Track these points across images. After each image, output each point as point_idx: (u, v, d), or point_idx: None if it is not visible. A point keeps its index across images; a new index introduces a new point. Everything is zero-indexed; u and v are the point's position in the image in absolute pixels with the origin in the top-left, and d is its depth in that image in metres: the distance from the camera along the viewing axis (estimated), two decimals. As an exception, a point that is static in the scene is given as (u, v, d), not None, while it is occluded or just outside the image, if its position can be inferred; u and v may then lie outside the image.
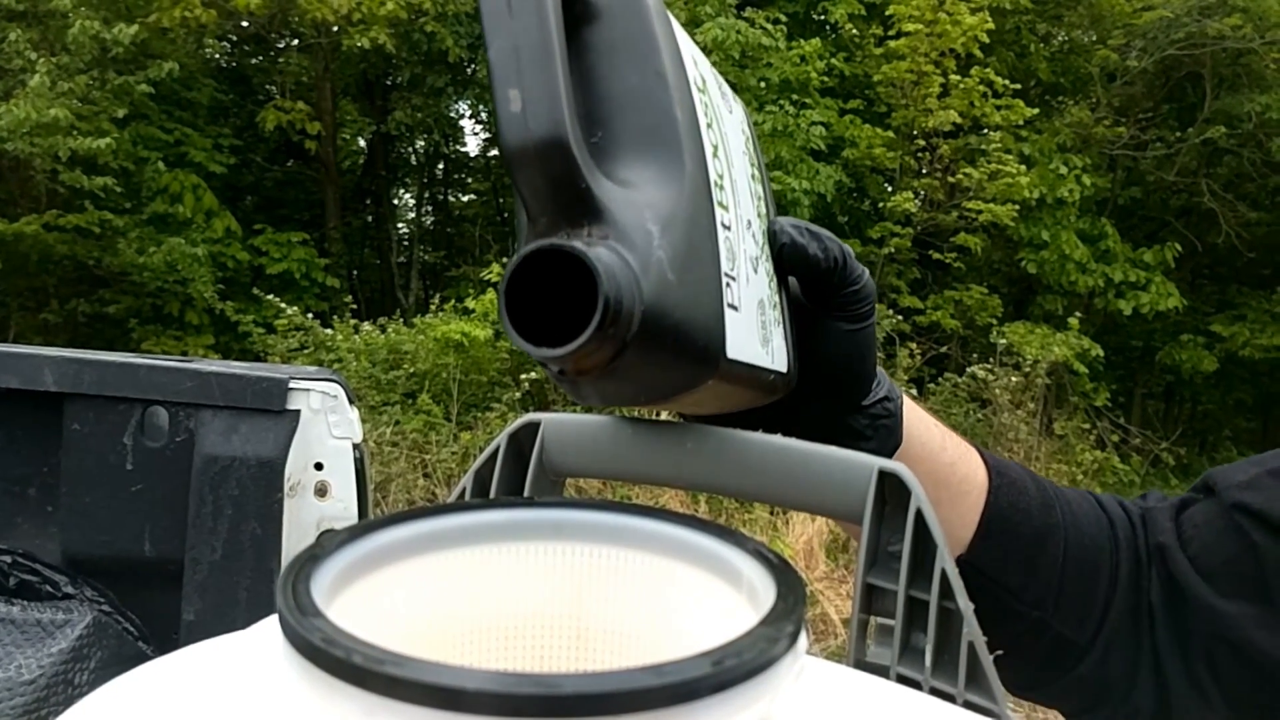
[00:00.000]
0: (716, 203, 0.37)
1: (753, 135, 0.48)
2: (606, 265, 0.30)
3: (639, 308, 0.31)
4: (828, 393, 0.50)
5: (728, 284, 0.38)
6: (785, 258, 0.46)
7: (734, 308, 0.38)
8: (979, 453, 0.59)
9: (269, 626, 0.37)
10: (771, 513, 4.44)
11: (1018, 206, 6.79)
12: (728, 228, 0.38)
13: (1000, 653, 0.35)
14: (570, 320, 0.30)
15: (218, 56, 8.86)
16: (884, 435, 0.53)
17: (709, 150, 0.37)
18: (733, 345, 0.38)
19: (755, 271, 0.42)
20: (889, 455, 0.54)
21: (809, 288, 0.48)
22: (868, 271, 0.49)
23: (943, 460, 0.56)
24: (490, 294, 5.86)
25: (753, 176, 0.45)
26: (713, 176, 0.37)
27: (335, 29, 7.79)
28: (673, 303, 0.33)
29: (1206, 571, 0.56)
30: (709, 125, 0.38)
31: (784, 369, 0.46)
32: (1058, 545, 0.58)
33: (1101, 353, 7.08)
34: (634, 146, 0.34)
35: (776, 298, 0.46)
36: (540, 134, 0.30)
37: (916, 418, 0.56)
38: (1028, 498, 0.58)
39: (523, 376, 5.36)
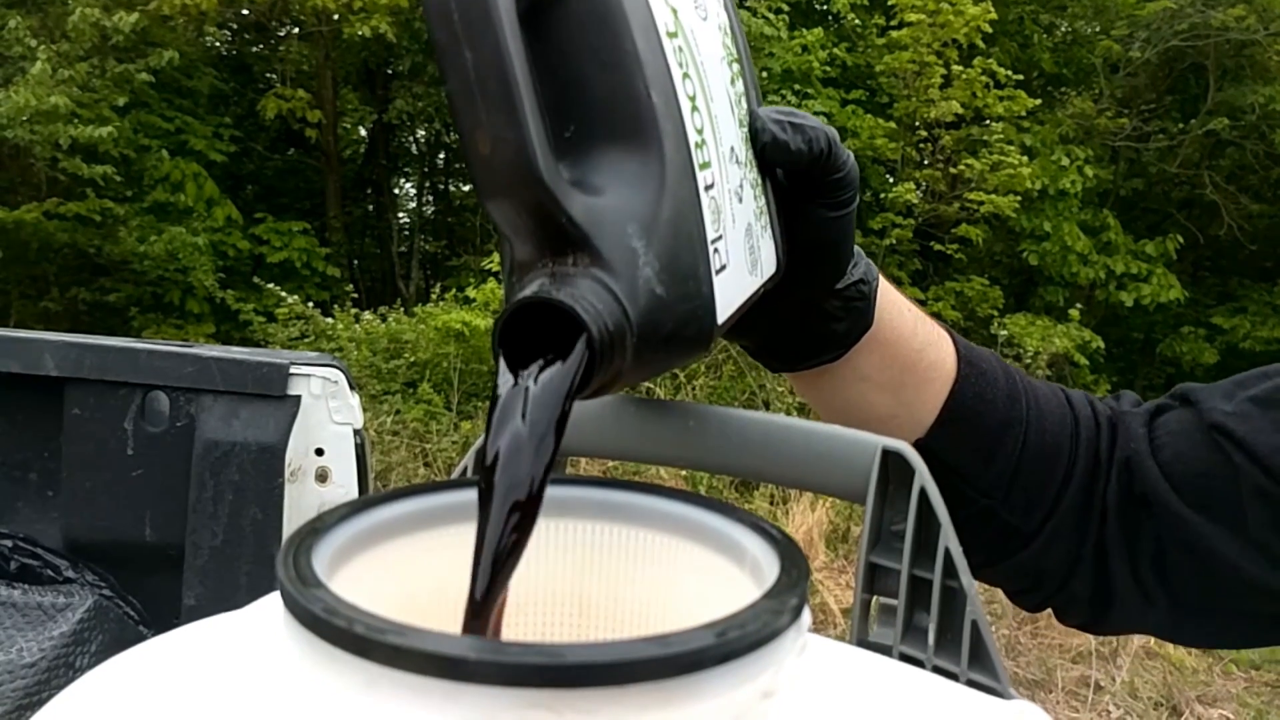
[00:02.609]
0: (699, 165, 0.36)
1: (732, 17, 0.46)
2: (594, 310, 0.30)
3: (631, 339, 0.31)
4: (804, 277, 0.50)
5: (715, 251, 0.37)
6: (768, 156, 0.45)
7: (723, 268, 0.38)
8: (953, 341, 0.60)
9: (268, 603, 0.37)
10: (771, 502, 4.45)
11: (1019, 198, 6.77)
12: (710, 186, 0.37)
13: None
14: (563, 340, 0.30)
15: (218, 44, 8.84)
16: (855, 317, 0.53)
17: (687, 109, 0.36)
18: (723, 310, 0.38)
19: (740, 200, 0.41)
20: (858, 337, 0.54)
21: (792, 177, 0.48)
22: (852, 156, 0.48)
23: (912, 345, 0.57)
24: (492, 283, 5.85)
25: (732, 80, 0.43)
26: (693, 140, 0.36)
27: (336, 17, 7.76)
28: (663, 315, 0.33)
29: (1176, 481, 0.56)
30: (685, 75, 0.36)
31: (773, 271, 0.46)
32: (1017, 438, 0.58)
33: (1102, 345, 7.07)
34: (609, 141, 0.33)
35: (761, 201, 0.45)
36: (512, 177, 0.29)
37: (890, 301, 0.56)
38: (995, 389, 0.58)
39: (523, 366, 5.35)
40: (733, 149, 0.41)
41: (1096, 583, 0.59)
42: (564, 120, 0.32)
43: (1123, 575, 0.58)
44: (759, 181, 0.45)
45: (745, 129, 0.44)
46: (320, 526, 0.27)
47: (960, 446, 0.58)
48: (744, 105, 0.45)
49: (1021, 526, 0.59)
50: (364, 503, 0.30)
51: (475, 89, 0.29)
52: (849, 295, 0.52)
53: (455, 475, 0.41)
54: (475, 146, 0.29)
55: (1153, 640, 3.67)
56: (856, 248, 0.52)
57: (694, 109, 0.37)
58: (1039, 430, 0.59)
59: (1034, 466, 0.58)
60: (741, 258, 0.41)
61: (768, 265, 0.45)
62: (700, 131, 0.37)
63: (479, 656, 0.20)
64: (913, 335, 0.57)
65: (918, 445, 0.57)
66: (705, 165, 0.37)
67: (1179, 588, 0.57)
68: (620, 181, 0.33)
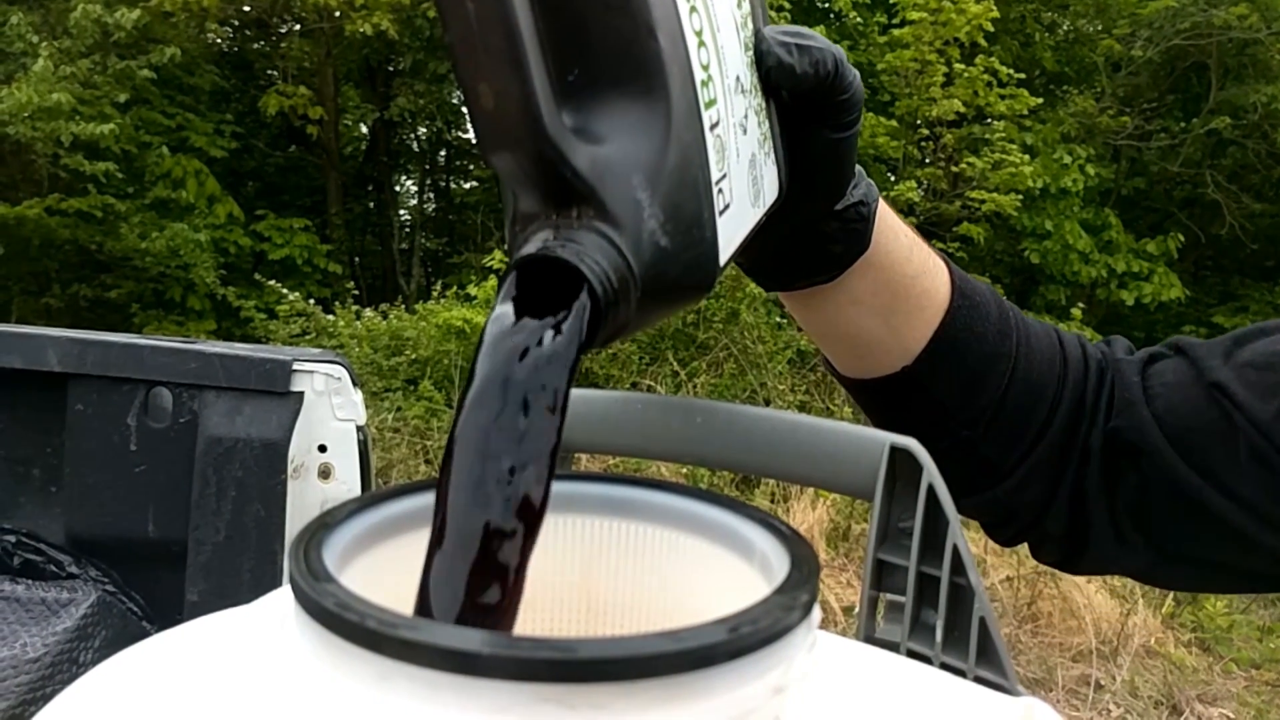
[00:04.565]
0: (704, 104, 0.35)
1: None
2: (599, 268, 0.29)
3: (635, 293, 0.31)
4: (803, 199, 0.49)
5: (719, 191, 0.36)
6: (773, 80, 0.44)
7: (726, 208, 0.37)
8: (949, 271, 0.59)
9: (275, 599, 0.37)
10: (772, 500, 4.45)
11: (1021, 196, 6.77)
12: (716, 124, 0.37)
13: None
14: (567, 294, 0.30)
15: (219, 41, 8.84)
16: (853, 239, 0.53)
17: (693, 46, 0.35)
18: (725, 251, 0.37)
19: (744, 132, 0.40)
20: (854, 259, 0.53)
21: (797, 98, 0.46)
22: (858, 76, 0.47)
23: (906, 271, 0.56)
24: (493, 281, 5.85)
25: (738, 3, 0.42)
26: (699, 79, 0.35)
27: (337, 14, 7.76)
28: (667, 265, 0.33)
29: (1169, 431, 0.56)
30: (692, 9, 0.35)
31: (775, 198, 0.45)
32: (1003, 374, 0.58)
33: (1104, 343, 7.06)
34: (614, 86, 0.32)
35: (765, 127, 0.44)
36: (516, 131, 0.28)
37: (887, 225, 0.55)
38: (986, 323, 0.58)
39: (524, 363, 5.35)
40: (738, 78, 0.40)
41: (1071, 523, 0.60)
42: (567, 64, 0.31)
43: (1100, 518, 0.58)
44: (763, 106, 0.44)
45: (751, 52, 0.43)
46: (330, 521, 0.27)
47: (946, 377, 0.57)
48: (750, 26, 0.43)
49: (999, 462, 0.59)
50: (373, 498, 0.30)
51: (477, 41, 0.28)
52: (848, 217, 0.51)
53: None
54: (477, 99, 0.28)
55: (1153, 639, 3.68)
56: (858, 167, 0.52)
57: (700, 44, 0.36)
58: (1026, 368, 0.59)
59: (1018, 403, 0.58)
60: (744, 191, 0.40)
61: (770, 193, 0.44)
62: (706, 68, 0.36)
63: (492, 651, 0.20)
64: (907, 261, 0.56)
65: (904, 373, 0.57)
66: (711, 103, 0.36)
67: (1161, 535, 0.58)
68: (625, 129, 0.32)
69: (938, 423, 0.58)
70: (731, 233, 0.38)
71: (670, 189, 0.32)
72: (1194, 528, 0.56)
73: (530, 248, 0.30)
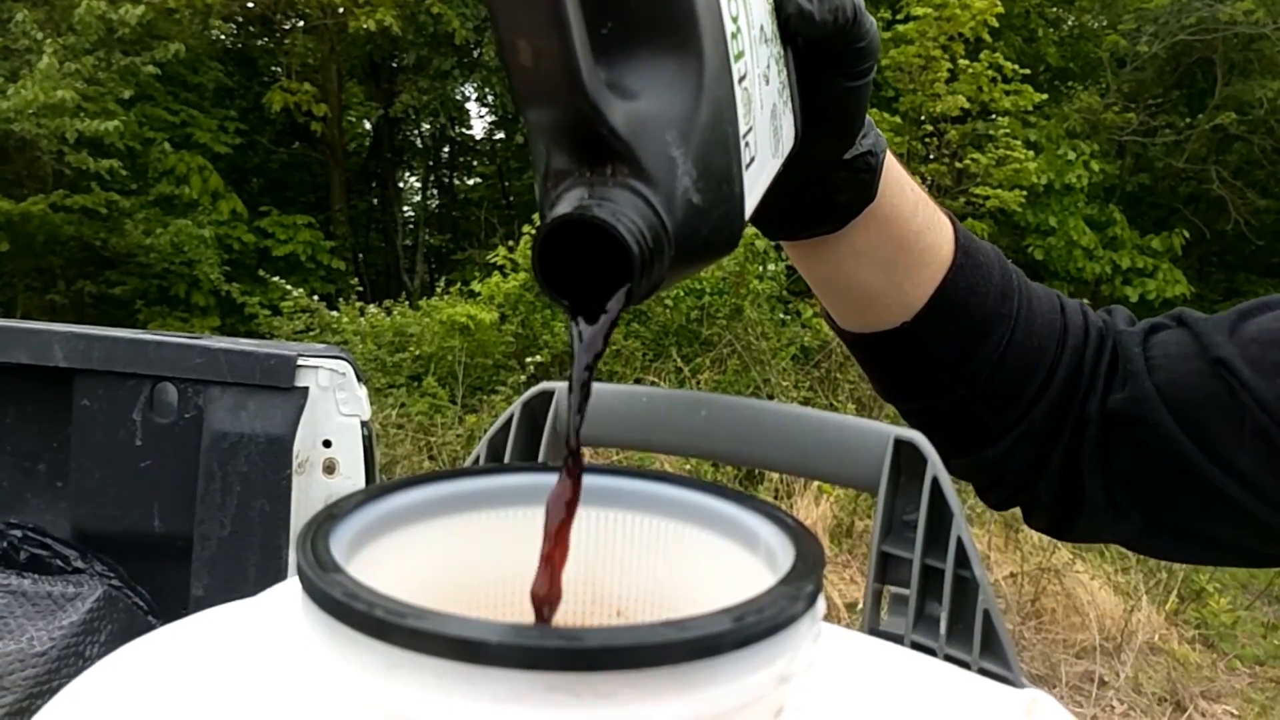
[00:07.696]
0: (733, 57, 0.35)
1: None
2: (635, 228, 0.29)
3: (669, 251, 0.31)
4: (814, 147, 0.48)
5: (745, 145, 0.36)
6: (792, 27, 0.43)
7: (751, 161, 0.37)
8: (954, 229, 0.59)
9: (279, 591, 0.37)
10: (775, 495, 4.45)
11: (1025, 192, 6.76)
12: (744, 77, 0.36)
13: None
14: (603, 256, 0.30)
15: (223, 38, 8.84)
16: (859, 190, 0.52)
17: None
18: (750, 205, 0.37)
19: (767, 83, 0.40)
20: (859, 210, 0.53)
21: (812, 45, 0.46)
22: (875, 24, 0.47)
23: (910, 226, 0.56)
24: (496, 277, 5.85)
25: None
26: (729, 31, 0.35)
27: (341, 10, 7.76)
28: (700, 224, 0.32)
29: (1171, 403, 0.56)
30: None
31: (791, 146, 0.45)
32: (1002, 335, 0.58)
33: (1108, 340, 7.05)
34: (648, 40, 0.32)
35: (784, 75, 0.44)
36: (555, 88, 0.28)
37: (893, 178, 0.55)
38: (988, 283, 0.58)
39: (528, 360, 5.37)
40: (762, 28, 0.40)
41: (1064, 490, 0.60)
42: (601, 18, 0.31)
43: (1094, 486, 0.58)
44: (781, 54, 0.44)
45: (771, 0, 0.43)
46: (337, 513, 0.28)
47: (945, 335, 0.57)
48: None
49: (993, 423, 0.59)
50: (379, 490, 0.30)
51: None
52: (856, 166, 0.51)
53: (469, 462, 0.41)
54: (516, 56, 0.28)
55: (1157, 636, 3.67)
56: (867, 118, 0.51)
57: None
58: (1027, 331, 0.58)
59: (1016, 366, 0.58)
60: (767, 143, 0.40)
61: (787, 142, 0.44)
62: (735, 20, 0.36)
63: (500, 640, 0.20)
64: (912, 215, 0.56)
65: (903, 329, 0.57)
66: (739, 56, 0.36)
67: (1156, 506, 0.57)
68: (658, 84, 0.32)
69: (934, 380, 0.58)
70: (755, 186, 0.38)
71: (702, 145, 0.32)
72: (1190, 500, 0.56)
73: (564, 206, 0.29)
